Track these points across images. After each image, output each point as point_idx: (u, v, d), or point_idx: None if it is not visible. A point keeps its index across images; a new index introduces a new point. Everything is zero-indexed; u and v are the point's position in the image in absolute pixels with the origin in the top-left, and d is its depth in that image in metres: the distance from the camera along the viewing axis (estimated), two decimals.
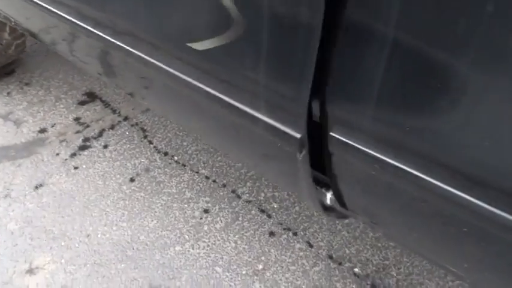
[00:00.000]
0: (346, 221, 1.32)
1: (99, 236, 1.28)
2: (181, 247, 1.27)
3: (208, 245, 1.27)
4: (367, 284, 1.18)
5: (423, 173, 0.57)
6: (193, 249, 1.26)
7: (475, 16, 0.43)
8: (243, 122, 0.75)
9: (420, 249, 0.90)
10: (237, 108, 0.73)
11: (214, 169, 1.49)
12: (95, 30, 0.94)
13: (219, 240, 1.28)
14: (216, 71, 0.75)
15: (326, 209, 0.84)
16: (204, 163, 1.51)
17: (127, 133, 1.61)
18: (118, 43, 0.91)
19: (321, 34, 0.54)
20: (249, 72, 0.68)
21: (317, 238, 1.29)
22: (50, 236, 1.29)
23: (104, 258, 1.23)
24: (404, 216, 0.78)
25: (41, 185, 1.43)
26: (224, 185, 1.44)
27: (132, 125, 1.63)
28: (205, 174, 1.47)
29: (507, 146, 0.48)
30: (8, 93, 1.78)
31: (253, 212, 1.36)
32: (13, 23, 1.38)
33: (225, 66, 0.73)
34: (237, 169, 1.49)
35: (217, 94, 0.76)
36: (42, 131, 1.62)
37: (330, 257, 1.24)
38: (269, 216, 1.34)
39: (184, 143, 1.57)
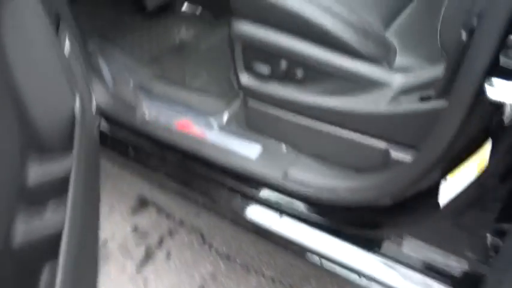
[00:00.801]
0: None
1: None
2: None
3: None
4: None
5: None
6: None
7: None
8: None
9: None
10: None
11: (278, 270, 1.57)
12: None
13: None
14: None
15: None
16: (266, 264, 1.59)
17: (186, 239, 1.68)
18: None
19: None
20: None
21: None
22: None
23: None
24: None
25: None
26: (291, 286, 1.52)
27: (189, 230, 1.71)
28: (271, 275, 1.55)
29: None
30: None
31: None
32: None
33: None
34: (299, 267, 1.58)
35: None
36: (103, 244, 1.67)
37: None
38: None
39: (243, 245, 1.65)
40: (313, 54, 1.04)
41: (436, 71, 0.92)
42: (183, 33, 1.79)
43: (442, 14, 0.82)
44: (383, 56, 1.00)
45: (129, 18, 1.81)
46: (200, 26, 1.79)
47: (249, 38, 1.12)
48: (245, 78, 1.19)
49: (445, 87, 0.83)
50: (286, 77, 1.12)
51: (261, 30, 1.09)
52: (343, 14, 1.01)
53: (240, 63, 1.18)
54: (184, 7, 2.03)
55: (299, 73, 1.08)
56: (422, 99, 0.95)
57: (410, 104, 0.96)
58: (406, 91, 0.98)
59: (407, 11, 1.13)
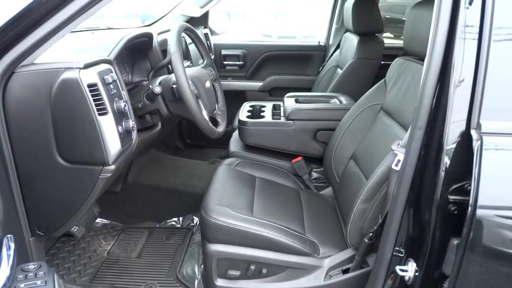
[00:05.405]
0: None
1: None
2: None
3: None
4: None
5: None
6: None
7: None
8: None
9: None
10: None
11: None
12: None
13: None
14: None
15: None
16: None
17: None
18: None
19: None
20: None
21: None
22: None
23: None
24: None
25: None
26: None
27: None
28: None
29: None
30: None
31: None
32: None
33: None
34: None
35: None
36: None
37: None
38: None
39: None
40: (271, 257, 1.60)
41: (347, 253, 1.61)
42: None
43: (349, 228, 1.54)
44: (313, 250, 1.63)
45: None
46: None
47: (222, 254, 1.61)
48: (220, 283, 1.64)
49: (362, 261, 1.52)
50: (253, 275, 1.63)
51: (231, 248, 1.61)
52: (284, 228, 1.63)
53: (214, 273, 1.64)
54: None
55: (264, 270, 1.61)
56: (343, 271, 1.61)
57: (337, 276, 1.60)
58: (332, 268, 1.62)
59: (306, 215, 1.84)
